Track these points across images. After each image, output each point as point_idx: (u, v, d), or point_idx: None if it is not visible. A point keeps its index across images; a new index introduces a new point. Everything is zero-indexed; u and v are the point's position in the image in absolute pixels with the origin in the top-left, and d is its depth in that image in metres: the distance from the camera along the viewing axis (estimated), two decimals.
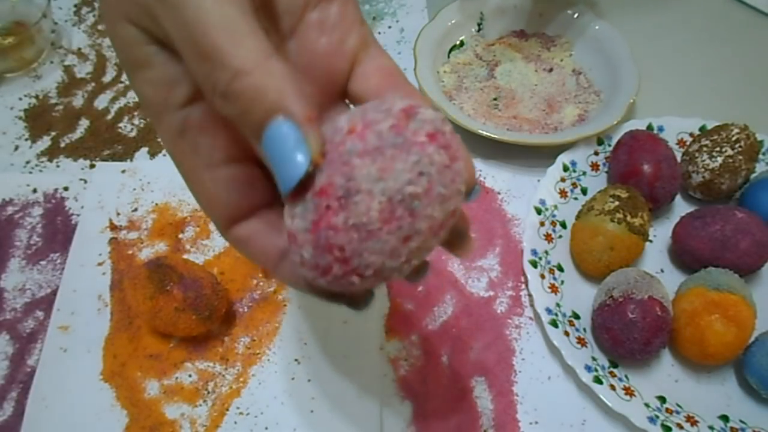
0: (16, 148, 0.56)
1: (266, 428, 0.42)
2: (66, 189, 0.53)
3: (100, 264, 0.49)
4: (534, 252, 0.49)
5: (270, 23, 0.26)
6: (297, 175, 0.20)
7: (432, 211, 0.21)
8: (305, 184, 0.21)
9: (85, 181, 0.54)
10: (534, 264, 0.48)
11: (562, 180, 0.53)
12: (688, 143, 0.55)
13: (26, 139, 0.57)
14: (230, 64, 0.20)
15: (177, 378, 0.44)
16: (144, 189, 0.53)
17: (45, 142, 0.57)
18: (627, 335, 0.42)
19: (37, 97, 0.60)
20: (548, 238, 0.50)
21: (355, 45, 0.27)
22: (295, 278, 0.25)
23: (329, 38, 0.26)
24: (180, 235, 0.51)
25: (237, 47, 0.20)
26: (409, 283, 0.25)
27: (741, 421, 0.43)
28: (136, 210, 0.52)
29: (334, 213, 0.21)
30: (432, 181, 0.21)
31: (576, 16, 0.63)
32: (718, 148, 0.50)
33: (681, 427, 0.41)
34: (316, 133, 0.21)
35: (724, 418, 0.43)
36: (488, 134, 0.53)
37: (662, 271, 0.50)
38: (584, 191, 0.53)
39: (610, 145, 0.55)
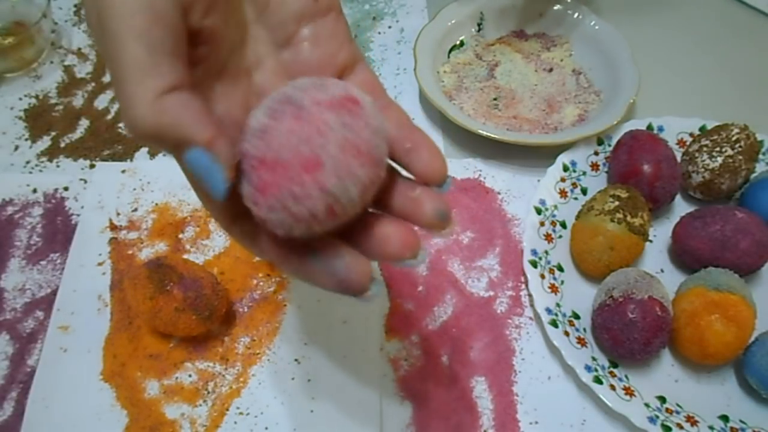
0: (16, 148, 0.56)
1: (266, 428, 0.42)
2: (66, 189, 0.53)
3: (100, 264, 0.49)
4: (534, 252, 0.49)
5: (267, 32, 0.27)
6: (221, 191, 0.23)
7: (309, 97, 0.24)
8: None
9: (85, 181, 0.54)
10: (534, 264, 0.48)
11: (562, 180, 0.53)
12: (688, 143, 0.55)
13: (26, 139, 0.57)
14: (129, 101, 0.22)
15: (177, 378, 0.44)
16: (144, 189, 0.53)
17: (45, 142, 0.57)
18: (627, 335, 0.42)
19: (37, 97, 0.60)
20: (548, 238, 0.50)
21: (344, 59, 0.29)
22: (306, 270, 0.26)
23: (322, 51, 0.28)
24: (180, 235, 0.51)
25: (136, 85, 0.21)
26: (407, 265, 0.26)
27: (741, 421, 0.43)
28: (136, 210, 0.52)
29: (242, 147, 0.24)
30: (304, 88, 0.24)
31: (576, 16, 0.63)
32: (718, 148, 0.50)
33: (681, 427, 0.41)
34: (223, 150, 0.22)
35: (724, 418, 0.43)
36: (488, 134, 0.53)
37: (662, 271, 0.50)
38: (584, 191, 0.53)
39: (610, 145, 0.55)
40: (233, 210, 0.26)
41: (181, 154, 0.22)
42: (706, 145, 0.51)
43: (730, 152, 0.50)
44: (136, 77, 0.21)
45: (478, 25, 0.64)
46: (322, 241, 0.25)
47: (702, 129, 0.56)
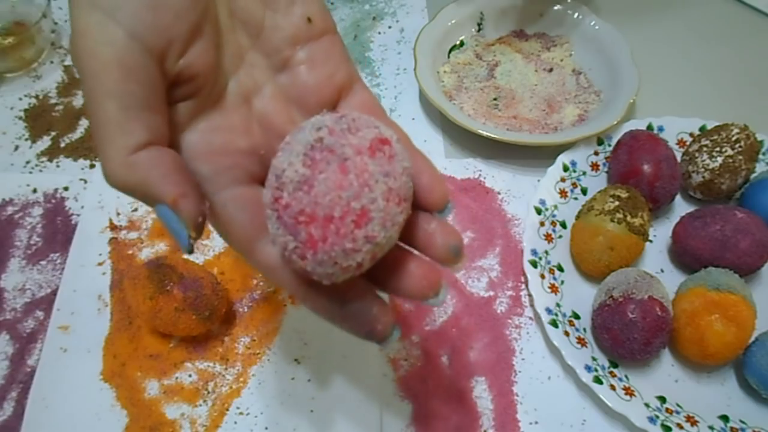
0: (16, 148, 0.56)
1: (266, 428, 0.42)
2: (66, 189, 0.53)
3: (100, 264, 0.49)
4: (534, 252, 0.49)
5: (263, 58, 0.28)
6: (185, 246, 0.23)
7: (347, 143, 0.24)
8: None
9: (85, 181, 0.54)
10: (534, 264, 0.48)
11: (562, 180, 0.53)
12: (688, 143, 0.55)
13: (26, 139, 0.57)
14: (102, 158, 0.23)
15: (177, 378, 0.44)
16: None
17: (45, 142, 0.57)
18: (627, 335, 0.42)
19: (37, 97, 0.60)
20: (548, 238, 0.50)
21: (342, 80, 0.29)
22: (333, 313, 0.26)
23: (319, 73, 0.28)
24: None
25: (108, 144, 0.22)
26: (430, 303, 0.27)
27: (741, 421, 0.43)
28: (136, 210, 0.52)
29: (279, 196, 0.24)
30: (333, 130, 0.24)
31: (576, 16, 0.63)
32: (718, 148, 0.50)
33: (681, 427, 0.41)
34: (187, 209, 0.23)
35: (724, 418, 0.43)
36: (488, 134, 0.53)
37: (662, 271, 0.50)
38: (584, 191, 0.53)
39: (610, 145, 0.55)
40: (252, 234, 0.26)
41: (152, 207, 0.23)
42: (706, 145, 0.51)
43: (730, 152, 0.50)
44: (108, 135, 0.22)
45: (478, 25, 0.64)
46: (352, 287, 0.26)
47: (702, 129, 0.56)
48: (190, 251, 0.24)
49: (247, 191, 0.26)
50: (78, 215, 0.52)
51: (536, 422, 0.43)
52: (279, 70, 0.28)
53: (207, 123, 0.26)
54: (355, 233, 0.23)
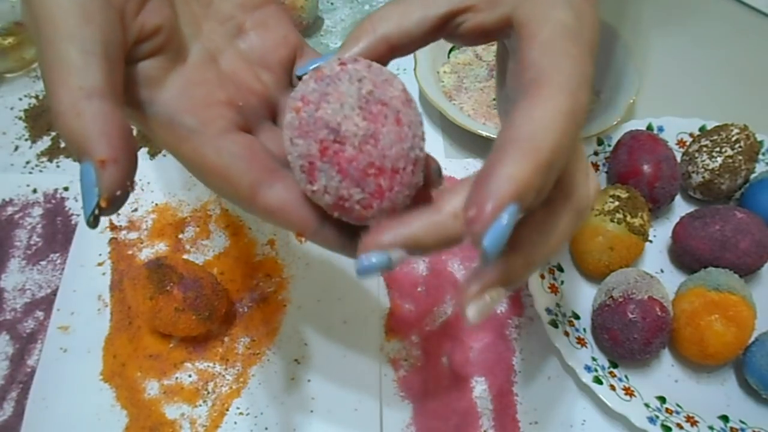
0: (16, 148, 0.56)
1: (266, 428, 0.42)
2: (66, 189, 0.53)
3: (100, 264, 0.49)
4: None
5: (218, 25, 0.29)
6: (88, 214, 0.22)
7: (392, 95, 0.25)
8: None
9: None
10: None
11: None
12: (688, 143, 0.55)
13: (26, 139, 0.57)
14: (52, 101, 0.22)
15: (177, 378, 0.44)
16: (144, 189, 0.53)
17: (45, 142, 0.57)
18: (627, 335, 0.42)
19: (37, 97, 0.60)
20: None
21: (295, 40, 0.31)
22: (335, 240, 0.27)
23: (274, 35, 0.30)
24: (180, 236, 0.51)
25: (60, 86, 0.22)
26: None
27: (741, 422, 0.43)
28: (136, 210, 0.52)
29: (339, 150, 0.24)
30: (376, 81, 0.25)
31: None
32: (718, 148, 0.50)
33: (681, 427, 0.41)
34: (108, 176, 0.22)
35: (724, 418, 0.43)
36: (488, 134, 0.53)
37: (662, 271, 0.50)
38: None
39: (610, 145, 0.55)
40: (253, 179, 0.26)
41: (78, 161, 0.22)
42: (705, 146, 0.51)
43: (729, 152, 0.50)
44: (63, 77, 0.22)
45: None
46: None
47: (702, 129, 0.56)
48: (93, 225, 0.22)
49: (238, 138, 0.27)
50: (78, 215, 0.52)
51: (536, 422, 0.43)
52: (235, 35, 0.29)
53: (181, 78, 0.26)
54: (412, 181, 0.25)
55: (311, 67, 0.27)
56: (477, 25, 0.27)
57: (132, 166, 0.23)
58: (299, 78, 0.29)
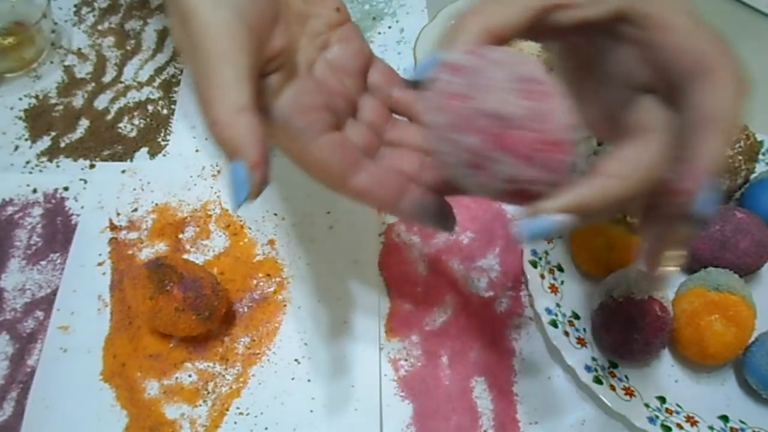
0: (16, 148, 0.56)
1: (266, 428, 0.42)
2: (66, 189, 0.53)
3: (100, 264, 0.49)
4: (534, 252, 0.49)
5: (309, 41, 0.34)
6: (237, 203, 0.28)
7: (540, 75, 0.26)
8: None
9: (85, 181, 0.54)
10: (534, 264, 0.48)
11: None
12: None
13: (26, 139, 0.57)
14: (209, 114, 0.28)
15: (177, 378, 0.44)
16: (144, 189, 0.53)
17: (45, 142, 0.57)
18: (627, 335, 0.42)
19: (37, 97, 0.60)
20: (548, 238, 0.50)
21: (367, 52, 0.36)
22: (417, 210, 0.33)
23: (354, 47, 0.36)
24: (180, 235, 0.51)
25: (217, 103, 0.27)
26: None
27: (741, 422, 0.43)
28: (136, 210, 0.52)
29: (502, 132, 0.25)
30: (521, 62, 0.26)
31: None
32: None
33: (681, 428, 0.41)
34: (257, 175, 0.27)
35: (724, 418, 0.43)
36: None
37: None
38: None
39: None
40: (344, 169, 0.31)
41: (229, 162, 0.28)
42: None
43: (729, 152, 0.50)
44: (221, 95, 0.27)
45: None
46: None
47: None
48: (237, 209, 0.28)
49: (334, 136, 0.32)
50: (78, 215, 0.52)
51: (536, 422, 0.43)
52: (322, 48, 0.35)
53: (293, 88, 0.31)
54: (575, 149, 0.26)
55: (428, 67, 0.28)
56: (582, 20, 0.29)
57: (269, 166, 0.28)
58: (413, 84, 0.31)
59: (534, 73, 0.26)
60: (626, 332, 0.42)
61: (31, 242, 0.50)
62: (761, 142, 0.53)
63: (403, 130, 0.36)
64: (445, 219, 0.35)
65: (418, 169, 0.34)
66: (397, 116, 0.37)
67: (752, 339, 0.44)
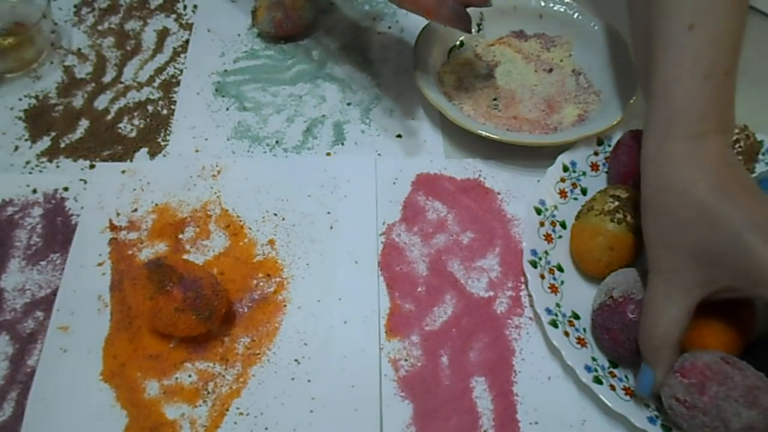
0: (16, 148, 0.56)
1: (266, 428, 0.42)
2: (66, 189, 0.53)
3: (100, 264, 0.49)
4: (534, 252, 0.49)
5: None
6: (639, 393, 0.41)
7: None
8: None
9: (85, 182, 0.54)
10: (534, 264, 0.48)
11: (562, 180, 0.53)
12: None
13: (26, 140, 0.57)
14: (651, 323, 0.41)
15: (177, 378, 0.44)
16: (144, 189, 0.53)
17: (45, 143, 0.57)
18: (627, 335, 0.42)
19: (37, 97, 0.60)
20: (548, 238, 0.50)
21: None
22: (452, 14, 0.46)
23: None
24: (180, 236, 0.51)
25: (662, 315, 0.40)
26: None
27: None
28: (136, 210, 0.52)
29: None
30: None
31: (576, 16, 0.63)
32: None
33: (681, 428, 0.41)
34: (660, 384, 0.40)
35: None
36: (488, 134, 0.53)
37: None
38: (584, 191, 0.53)
39: (610, 146, 0.55)
40: None
41: (642, 367, 0.40)
42: None
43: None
44: (664, 310, 0.40)
45: (478, 25, 0.64)
46: None
47: None
48: (640, 395, 0.42)
49: None
50: (78, 215, 0.52)
51: (536, 422, 0.43)
52: None
53: None
54: None
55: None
56: (730, 296, 0.40)
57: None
58: None
59: None
60: (626, 332, 0.42)
61: (31, 242, 0.50)
62: (761, 142, 0.53)
63: None
64: (469, 22, 0.47)
65: None
66: None
67: (752, 339, 0.43)
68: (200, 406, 0.43)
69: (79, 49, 0.64)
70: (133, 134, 0.58)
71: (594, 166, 0.54)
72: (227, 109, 0.60)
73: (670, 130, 0.41)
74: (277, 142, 0.57)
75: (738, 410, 0.37)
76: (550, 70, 0.62)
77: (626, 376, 0.44)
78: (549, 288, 0.47)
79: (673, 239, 0.40)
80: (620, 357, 0.44)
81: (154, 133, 0.58)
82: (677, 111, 0.41)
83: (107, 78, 0.62)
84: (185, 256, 0.49)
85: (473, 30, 0.46)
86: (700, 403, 0.38)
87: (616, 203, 0.47)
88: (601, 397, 0.42)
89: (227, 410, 0.43)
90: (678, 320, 0.39)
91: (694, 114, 0.40)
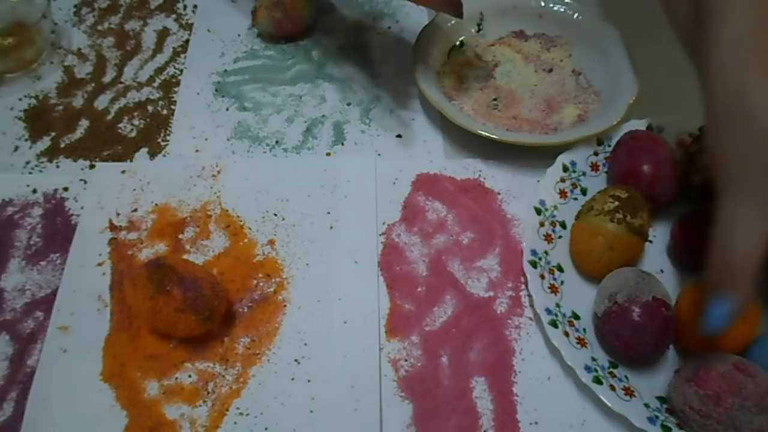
0: (16, 148, 0.56)
1: (266, 428, 0.42)
2: (66, 189, 0.53)
3: (100, 264, 0.49)
4: (534, 252, 0.49)
5: None
6: (708, 327, 0.37)
7: None
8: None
9: (85, 182, 0.54)
10: (534, 264, 0.48)
11: (562, 180, 0.53)
12: (688, 143, 0.54)
13: (26, 140, 0.57)
14: (731, 237, 0.37)
15: (177, 378, 0.44)
16: (144, 189, 0.53)
17: (45, 143, 0.57)
18: (639, 339, 0.42)
19: (37, 97, 0.60)
20: (548, 238, 0.50)
21: None
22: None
23: None
24: (180, 236, 0.51)
25: (744, 227, 0.36)
26: None
27: None
28: (135, 210, 0.52)
29: None
30: None
31: (576, 16, 0.63)
32: None
33: (681, 428, 0.41)
34: (737, 311, 0.36)
35: None
36: (488, 134, 0.53)
37: (662, 271, 0.50)
38: (584, 191, 0.53)
39: (609, 146, 0.55)
40: None
41: (711, 302, 0.36)
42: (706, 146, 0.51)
43: None
44: (749, 222, 0.36)
45: (478, 25, 0.64)
46: None
47: (702, 129, 0.55)
48: (706, 330, 0.38)
49: None
50: (78, 215, 0.52)
51: (536, 422, 0.43)
52: None
53: None
54: None
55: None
56: None
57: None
58: None
59: None
60: (637, 336, 0.42)
61: (31, 242, 0.50)
62: None
63: None
64: (460, 5, 0.48)
65: None
66: None
67: (754, 338, 0.43)
68: (200, 406, 0.43)
69: (79, 49, 0.64)
70: (133, 134, 0.58)
71: (594, 166, 0.54)
72: (227, 109, 0.60)
73: (744, 38, 0.37)
74: (277, 142, 0.57)
75: (751, 419, 0.38)
76: (550, 70, 0.62)
77: (626, 376, 0.44)
78: (549, 288, 0.47)
79: (755, 151, 0.36)
80: (632, 360, 0.44)
81: (154, 133, 0.58)
82: (753, 22, 0.37)
83: (107, 78, 0.62)
84: (185, 256, 0.49)
85: (473, 29, 0.45)
86: (715, 413, 0.38)
87: (616, 203, 0.47)
88: (601, 397, 0.42)
89: (227, 410, 0.43)
90: (761, 242, 0.36)
91: None
